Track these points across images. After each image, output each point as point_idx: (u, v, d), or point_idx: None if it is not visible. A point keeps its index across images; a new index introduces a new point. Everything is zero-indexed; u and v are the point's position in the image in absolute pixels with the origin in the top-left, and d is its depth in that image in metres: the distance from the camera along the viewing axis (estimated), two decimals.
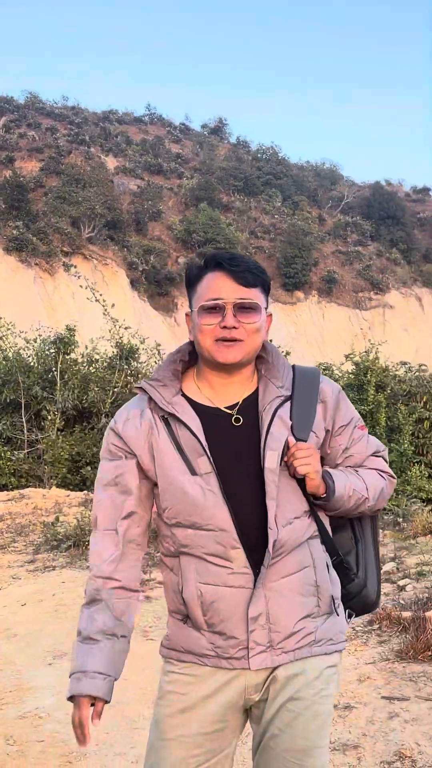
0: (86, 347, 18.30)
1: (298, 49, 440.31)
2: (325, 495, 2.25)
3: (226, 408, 2.27)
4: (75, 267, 48.71)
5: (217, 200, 66.18)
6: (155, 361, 18.05)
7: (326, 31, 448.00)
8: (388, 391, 15.30)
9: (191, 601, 2.22)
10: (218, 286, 2.22)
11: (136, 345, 18.40)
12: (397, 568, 6.95)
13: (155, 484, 2.30)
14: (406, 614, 5.52)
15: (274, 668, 2.21)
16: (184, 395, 2.30)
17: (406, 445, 14.09)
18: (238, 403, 2.28)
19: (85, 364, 17.86)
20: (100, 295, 18.14)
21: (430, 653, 4.89)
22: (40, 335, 18.41)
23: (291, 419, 2.26)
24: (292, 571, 2.21)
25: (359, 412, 13.02)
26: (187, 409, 2.25)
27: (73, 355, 17.73)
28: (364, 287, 74.68)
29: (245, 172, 73.30)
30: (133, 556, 2.32)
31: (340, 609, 2.34)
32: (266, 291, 2.31)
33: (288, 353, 15.19)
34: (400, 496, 11.68)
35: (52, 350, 17.78)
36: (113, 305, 17.88)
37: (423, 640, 4.97)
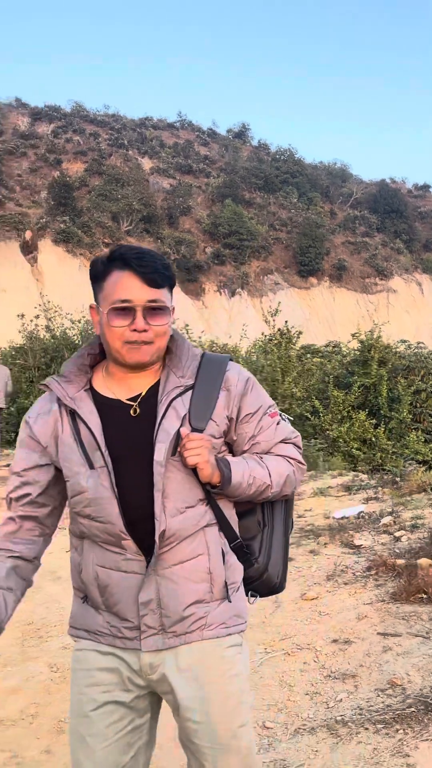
0: None
1: (313, 61, 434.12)
2: (220, 484, 2.01)
3: (128, 400, 2.04)
4: None
5: (240, 197, 65.67)
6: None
7: (337, 45, 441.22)
8: (390, 366, 15.16)
9: (89, 582, 2.06)
10: (127, 287, 1.96)
11: None
12: (394, 522, 6.94)
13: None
14: (401, 561, 5.51)
15: (172, 652, 2.02)
16: (91, 388, 2.08)
17: (405, 414, 13.97)
18: (140, 394, 2.05)
19: None
20: None
21: (420, 596, 4.89)
22: (84, 316, 18.36)
23: (189, 408, 2.02)
24: (185, 559, 2.01)
25: (364, 385, 12.82)
26: (87, 405, 2.03)
27: None
28: (371, 274, 73.85)
29: (265, 172, 72.59)
30: (31, 534, 2.13)
31: (237, 594, 2.12)
32: (172, 288, 2.06)
33: (301, 333, 15.09)
34: (398, 458, 11.63)
35: (94, 330, 17.76)
36: None
37: (414, 584, 4.97)
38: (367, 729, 3.47)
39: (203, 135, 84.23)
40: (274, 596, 5.13)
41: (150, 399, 2.03)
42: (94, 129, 72.79)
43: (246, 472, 2.04)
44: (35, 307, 20.16)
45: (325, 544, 6.24)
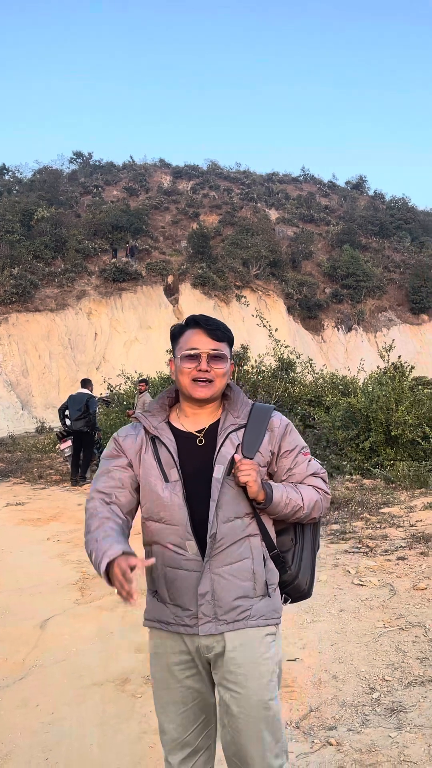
0: (255, 361, 18.71)
1: (426, 114, 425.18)
2: (264, 501, 2.29)
3: (195, 432, 2.38)
4: (245, 297, 49.69)
5: (357, 242, 65.57)
6: (308, 372, 18.48)
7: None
8: None
9: (158, 579, 2.35)
10: (196, 340, 2.33)
11: (293, 359, 18.92)
12: None
13: (138, 486, 2.40)
14: None
15: (222, 636, 2.29)
16: (168, 422, 2.42)
17: None
18: (204, 428, 2.39)
19: (254, 374, 18.23)
20: (267, 321, 18.63)
21: None
22: None
23: (242, 441, 2.33)
24: (234, 561, 2.29)
25: None
26: (167, 433, 2.38)
27: (246, 367, 18.29)
28: None
29: (380, 219, 72.18)
30: (120, 507, 2.37)
31: (275, 593, 2.38)
32: (231, 345, 2.40)
33: (413, 367, 15.33)
34: None
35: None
36: (276, 329, 18.33)
37: None
38: None
39: (324, 187, 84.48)
40: (390, 585, 5.68)
41: (212, 432, 2.37)
42: (228, 185, 74.66)
43: (284, 494, 2.33)
44: None
45: None
